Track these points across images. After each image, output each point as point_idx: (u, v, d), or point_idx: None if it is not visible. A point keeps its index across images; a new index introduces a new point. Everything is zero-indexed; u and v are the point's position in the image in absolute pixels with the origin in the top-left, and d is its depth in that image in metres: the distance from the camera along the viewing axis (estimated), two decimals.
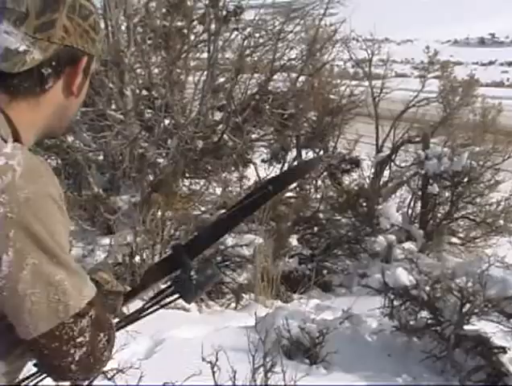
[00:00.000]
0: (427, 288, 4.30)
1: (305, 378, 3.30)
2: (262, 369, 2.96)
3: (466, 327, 4.04)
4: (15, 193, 1.00)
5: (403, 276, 4.50)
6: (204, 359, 2.75)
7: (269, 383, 3.09)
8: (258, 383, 3.05)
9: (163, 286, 1.45)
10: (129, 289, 1.49)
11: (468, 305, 4.00)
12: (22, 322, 1.05)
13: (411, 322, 4.35)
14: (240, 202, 1.50)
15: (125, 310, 1.51)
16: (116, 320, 1.36)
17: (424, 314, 4.32)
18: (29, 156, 1.05)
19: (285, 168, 7.91)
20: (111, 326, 1.19)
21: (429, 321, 4.26)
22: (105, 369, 2.84)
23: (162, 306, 1.41)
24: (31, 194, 1.02)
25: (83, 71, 1.19)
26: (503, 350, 3.98)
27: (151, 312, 1.42)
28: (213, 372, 2.69)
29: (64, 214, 1.09)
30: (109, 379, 2.86)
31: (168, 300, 1.39)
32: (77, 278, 1.09)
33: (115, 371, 2.88)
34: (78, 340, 1.09)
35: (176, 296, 1.37)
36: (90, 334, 1.11)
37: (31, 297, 1.03)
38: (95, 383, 2.96)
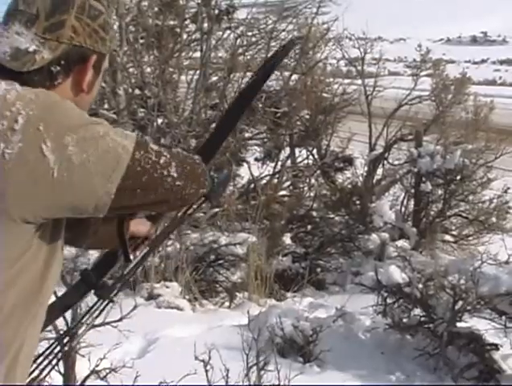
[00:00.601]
0: (420, 285, 4.32)
1: (299, 376, 3.31)
2: (255, 367, 2.96)
3: (459, 324, 4.07)
4: (26, 97, 1.07)
5: (396, 273, 4.52)
6: (196, 358, 2.75)
7: (262, 381, 3.09)
8: (252, 381, 3.05)
9: None
10: None
11: (460, 303, 4.02)
12: (99, 187, 1.08)
13: (404, 320, 4.37)
14: (235, 98, 1.58)
15: None
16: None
17: (417, 311, 4.33)
18: None
19: (278, 166, 7.91)
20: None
21: (422, 318, 4.28)
22: (97, 369, 2.84)
23: (190, 215, 1.50)
24: (39, 92, 1.10)
25: (94, 68, 1.23)
26: (495, 347, 4.00)
27: (182, 221, 1.52)
28: (206, 371, 2.69)
29: None
30: (102, 379, 2.86)
31: (195, 206, 1.45)
32: (115, 128, 1.15)
33: (108, 371, 2.88)
34: (162, 161, 1.14)
35: (202, 200, 1.41)
36: (167, 152, 1.17)
37: (90, 159, 1.06)
38: (88, 383, 2.96)
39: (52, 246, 1.16)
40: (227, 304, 5.41)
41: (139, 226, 1.54)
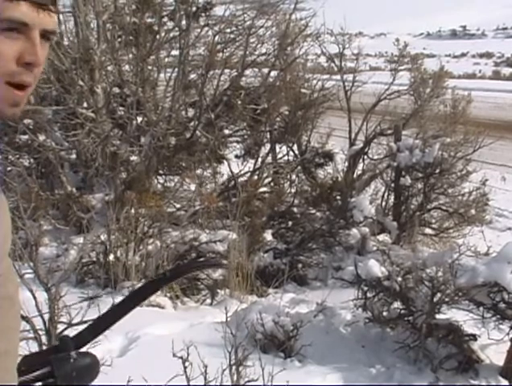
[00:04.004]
0: (399, 279, 4.35)
1: (280, 372, 3.32)
2: (234, 363, 2.97)
3: (437, 316, 4.10)
4: None
5: (375, 267, 4.54)
6: (174, 355, 2.75)
7: (244, 377, 3.10)
8: (234, 377, 3.06)
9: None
10: None
11: (438, 295, 4.05)
12: None
13: (384, 313, 4.40)
14: (139, 288, 1.52)
15: None
16: None
17: (397, 304, 4.37)
18: None
19: (258, 163, 7.91)
20: None
21: (401, 311, 4.31)
22: None
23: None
24: None
25: None
26: (474, 337, 4.05)
27: None
28: (185, 368, 2.69)
29: None
30: None
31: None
32: None
33: None
34: None
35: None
36: None
37: None
38: None
39: None
40: (208, 301, 5.42)
41: None
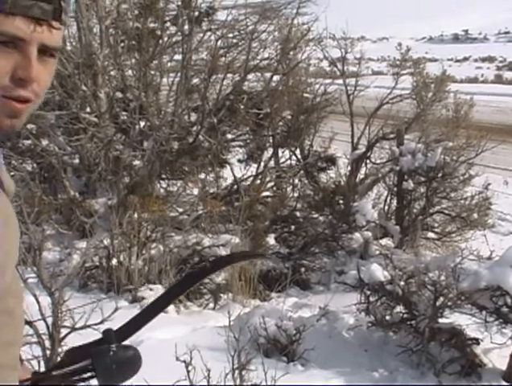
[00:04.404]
0: (402, 283, 4.35)
1: (283, 376, 3.32)
2: (237, 367, 2.98)
3: (440, 320, 4.10)
4: None
5: (378, 271, 4.55)
6: (177, 359, 2.76)
7: (248, 381, 3.10)
8: (237, 381, 3.06)
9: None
10: None
11: (441, 299, 4.05)
12: None
13: (387, 317, 4.40)
14: (179, 280, 1.51)
15: None
16: None
17: (399, 308, 4.37)
18: None
19: (261, 167, 7.91)
20: None
21: (404, 315, 4.31)
22: None
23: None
24: None
25: None
26: (476, 341, 4.05)
27: None
28: (188, 372, 2.70)
29: None
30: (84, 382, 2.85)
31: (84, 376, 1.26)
32: None
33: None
34: None
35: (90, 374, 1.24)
36: None
37: None
38: None
39: None
40: (211, 305, 5.42)
41: None
